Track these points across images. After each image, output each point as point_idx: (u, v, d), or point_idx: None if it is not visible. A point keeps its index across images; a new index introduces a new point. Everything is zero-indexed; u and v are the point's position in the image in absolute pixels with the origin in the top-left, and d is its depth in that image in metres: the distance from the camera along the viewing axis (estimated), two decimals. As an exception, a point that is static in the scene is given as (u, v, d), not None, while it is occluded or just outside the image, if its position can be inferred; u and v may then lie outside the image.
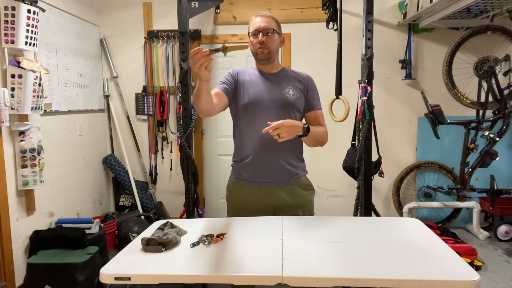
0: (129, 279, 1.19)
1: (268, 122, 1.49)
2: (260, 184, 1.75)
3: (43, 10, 2.48)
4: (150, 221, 3.44)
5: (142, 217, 3.54)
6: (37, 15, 2.39)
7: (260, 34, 1.70)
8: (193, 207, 2.72)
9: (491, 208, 3.35)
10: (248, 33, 1.76)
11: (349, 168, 2.60)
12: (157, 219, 3.49)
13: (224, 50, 1.40)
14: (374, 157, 2.55)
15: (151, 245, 1.36)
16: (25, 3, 2.28)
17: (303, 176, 1.82)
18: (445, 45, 3.49)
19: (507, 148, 3.66)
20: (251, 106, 1.73)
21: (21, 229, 2.52)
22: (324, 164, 3.68)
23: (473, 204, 3.50)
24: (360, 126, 2.48)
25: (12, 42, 2.28)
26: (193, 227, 1.58)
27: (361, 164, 2.50)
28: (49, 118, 2.84)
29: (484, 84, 3.16)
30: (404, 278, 1.12)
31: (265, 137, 1.66)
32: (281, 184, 1.75)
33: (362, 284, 1.15)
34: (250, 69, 1.84)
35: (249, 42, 1.76)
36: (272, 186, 1.74)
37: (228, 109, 1.81)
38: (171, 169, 3.90)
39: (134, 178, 3.74)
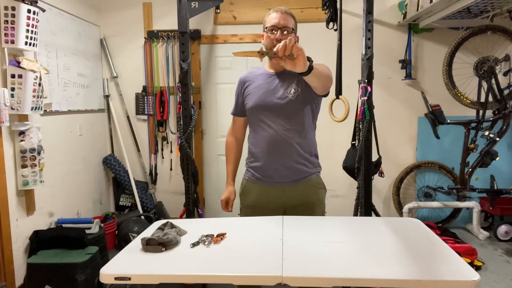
0: (129, 279, 1.19)
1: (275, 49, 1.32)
2: (272, 184, 1.75)
3: (43, 10, 2.48)
4: (150, 221, 3.44)
5: (142, 217, 3.54)
6: (37, 15, 2.39)
7: (278, 31, 1.66)
8: (193, 207, 2.71)
9: (491, 208, 3.34)
10: (265, 27, 1.71)
11: (349, 168, 2.59)
12: (157, 219, 3.49)
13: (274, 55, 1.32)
14: (374, 157, 2.54)
15: (151, 245, 1.36)
16: (25, 3, 2.28)
17: (314, 174, 1.79)
18: (445, 45, 3.49)
19: (507, 148, 3.66)
20: (256, 109, 1.75)
21: (21, 229, 2.52)
22: (324, 164, 3.65)
23: (473, 204, 3.50)
24: (360, 126, 2.48)
25: (12, 42, 2.28)
26: (193, 227, 1.58)
27: (361, 164, 2.50)
28: (49, 118, 2.84)
29: (484, 84, 3.15)
30: (404, 278, 1.12)
31: (272, 138, 1.71)
32: (292, 184, 1.74)
33: (362, 284, 1.14)
34: (260, 70, 1.81)
35: (263, 37, 1.73)
36: (283, 186, 1.75)
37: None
38: (171, 169, 3.90)
39: (134, 178, 3.74)
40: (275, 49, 1.30)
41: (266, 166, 1.75)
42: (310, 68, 1.39)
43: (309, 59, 1.40)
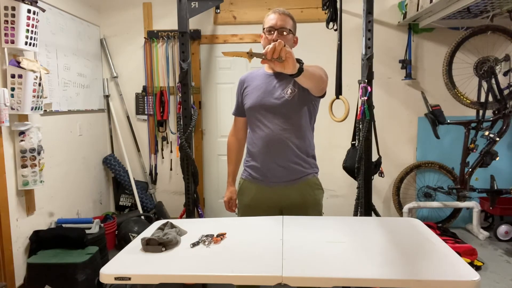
0: (129, 279, 1.19)
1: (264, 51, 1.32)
2: (268, 184, 1.76)
3: (43, 10, 2.48)
4: (150, 221, 3.44)
5: (142, 217, 3.54)
6: (37, 15, 2.39)
7: (275, 32, 1.68)
8: (193, 207, 2.71)
9: (491, 208, 3.34)
10: (263, 28, 1.74)
11: (349, 168, 2.60)
12: (157, 219, 3.49)
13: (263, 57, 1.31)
14: (374, 157, 2.55)
15: (151, 245, 1.36)
16: (25, 3, 2.28)
17: (311, 175, 1.80)
18: (445, 45, 3.49)
19: (507, 148, 3.66)
20: (254, 109, 1.75)
21: (21, 229, 2.52)
22: (324, 164, 3.65)
23: (473, 204, 3.50)
24: (360, 126, 2.48)
25: (12, 42, 2.28)
26: (193, 227, 1.58)
27: (361, 164, 2.50)
28: (49, 118, 2.84)
29: (484, 84, 3.15)
30: (404, 278, 1.12)
31: (268, 137, 1.72)
32: (288, 184, 1.75)
33: (362, 284, 1.14)
34: (260, 71, 1.83)
35: (262, 37, 1.76)
36: (279, 186, 1.75)
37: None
38: (171, 169, 3.90)
39: (134, 178, 3.74)
40: (264, 51, 1.30)
41: (262, 165, 1.75)
42: (300, 70, 1.40)
43: (299, 61, 1.41)
